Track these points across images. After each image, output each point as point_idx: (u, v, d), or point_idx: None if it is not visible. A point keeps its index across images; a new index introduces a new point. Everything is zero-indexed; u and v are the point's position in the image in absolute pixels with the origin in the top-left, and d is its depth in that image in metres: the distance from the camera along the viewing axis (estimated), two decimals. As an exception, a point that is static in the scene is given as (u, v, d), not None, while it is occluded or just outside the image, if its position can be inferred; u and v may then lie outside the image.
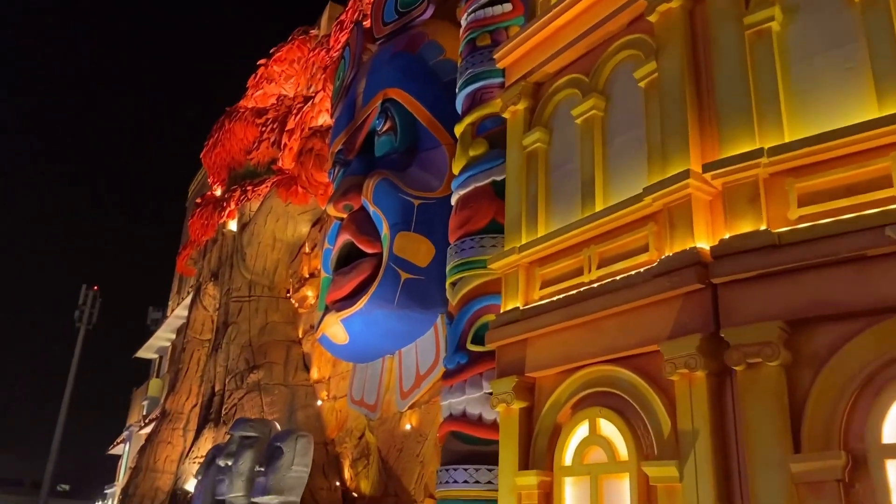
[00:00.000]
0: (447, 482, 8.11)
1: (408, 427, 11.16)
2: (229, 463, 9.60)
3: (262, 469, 8.85)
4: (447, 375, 8.74)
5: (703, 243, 6.21)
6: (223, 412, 15.98)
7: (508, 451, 7.49)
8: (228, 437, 10.04)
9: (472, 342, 8.59)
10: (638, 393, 6.38)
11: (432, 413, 10.67)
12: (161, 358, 39.39)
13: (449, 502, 8.04)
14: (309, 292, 17.51)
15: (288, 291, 19.27)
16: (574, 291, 7.25)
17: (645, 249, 6.73)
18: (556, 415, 7.24)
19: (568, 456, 6.97)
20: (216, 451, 10.61)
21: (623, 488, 6.32)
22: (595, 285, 7.02)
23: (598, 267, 7.11)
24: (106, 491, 41.69)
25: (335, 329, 11.85)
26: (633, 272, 6.69)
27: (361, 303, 11.19)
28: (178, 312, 33.43)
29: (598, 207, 7.32)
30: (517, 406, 7.52)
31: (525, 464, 7.32)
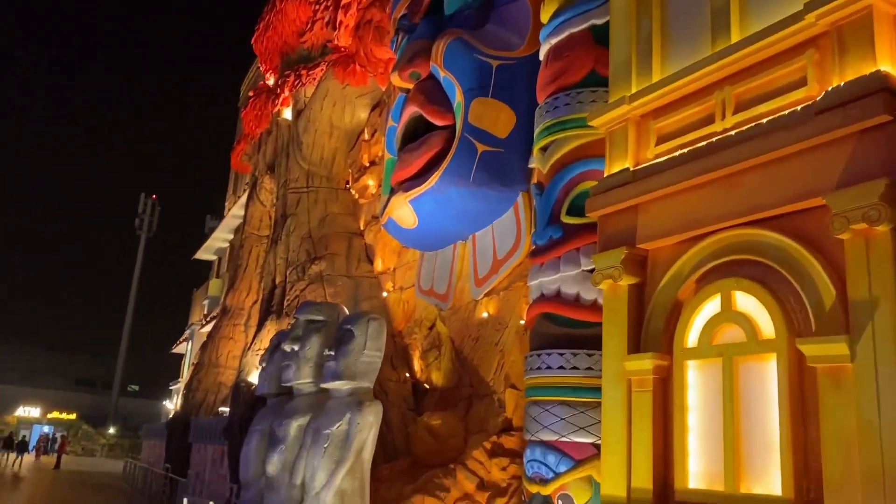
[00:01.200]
0: (538, 368, 7.26)
1: (484, 315, 10.34)
2: (295, 348, 8.98)
3: (332, 353, 8.17)
4: (537, 253, 7.76)
5: (889, 67, 4.91)
6: (285, 304, 15.52)
7: (615, 334, 6.55)
8: (293, 321, 9.40)
9: (568, 214, 7.54)
10: (788, 259, 5.27)
11: (513, 300, 9.79)
12: (220, 259, 39.75)
13: (541, 390, 7.22)
14: (370, 181, 16.62)
15: (347, 183, 18.44)
16: (702, 144, 6.06)
17: (802, 83, 5.46)
18: (676, 290, 6.22)
19: (692, 336, 5.98)
20: (280, 337, 10.05)
21: (766, 372, 5.32)
22: (731, 133, 5.82)
23: (735, 112, 5.88)
24: (171, 387, 43.32)
25: (403, 211, 10.94)
26: (784, 113, 5.45)
27: (433, 180, 10.19)
28: (234, 212, 33.26)
29: (735, 38, 6.00)
30: (626, 282, 6.51)
31: (635, 347, 6.38)
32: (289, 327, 10.13)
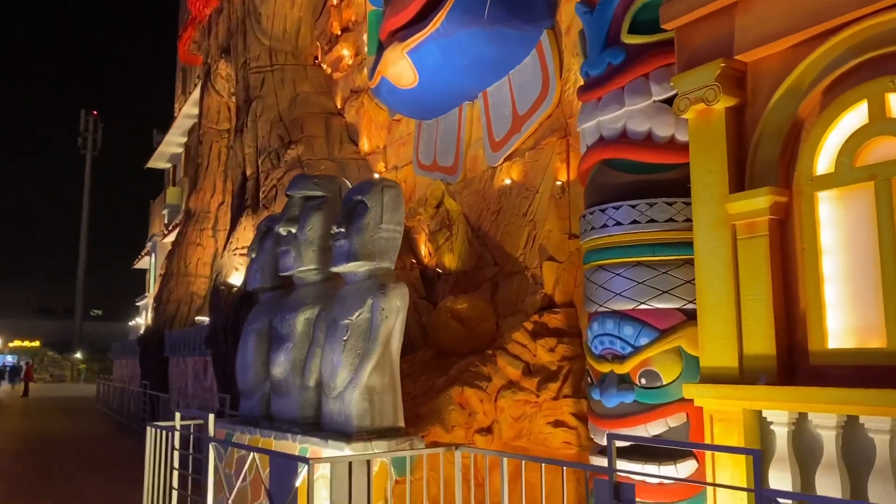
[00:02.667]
0: (603, 226, 6.05)
1: (507, 182, 9.03)
2: (293, 230, 7.62)
3: (342, 230, 6.83)
4: (590, 86, 6.39)
5: None
6: (261, 196, 14.01)
7: (709, 171, 5.32)
8: (288, 200, 7.98)
9: (630, 32, 6.13)
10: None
11: (544, 159, 8.47)
12: (174, 166, 37.50)
13: (608, 252, 6.04)
14: (344, 51, 14.82)
15: (316, 58, 16.57)
16: None
17: None
18: (795, 107, 4.96)
19: (823, 161, 4.77)
20: (271, 222, 8.67)
21: (943, 192, 4.14)
22: None
23: None
24: (137, 304, 41.85)
25: (399, 67, 9.38)
26: None
27: (436, 22, 8.61)
28: (186, 111, 30.96)
29: None
30: (723, 104, 5.22)
31: (738, 184, 5.17)
32: (279, 212, 8.70)
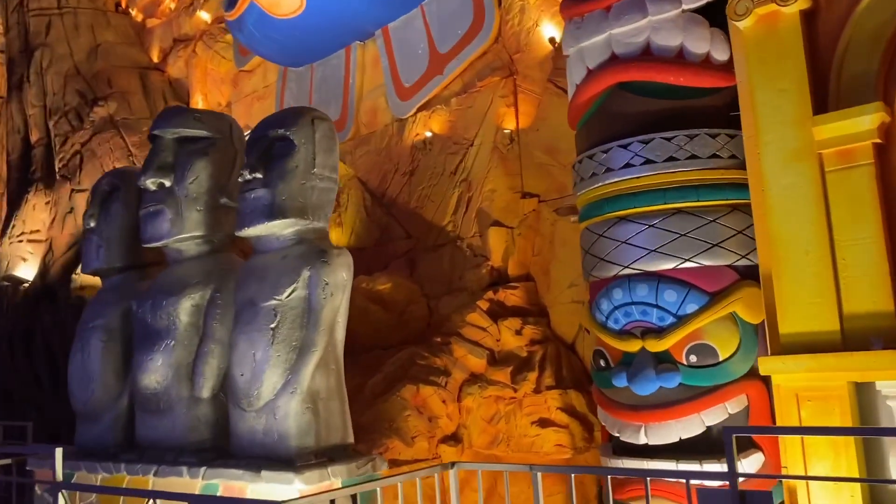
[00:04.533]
0: (627, 166, 4.87)
1: (427, 135, 7.55)
2: (167, 183, 5.52)
3: (258, 176, 4.95)
4: (585, -5, 5.17)
5: None
6: (58, 166, 11.08)
7: (779, 89, 4.37)
8: (154, 143, 5.81)
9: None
10: None
11: (480, 105, 7.16)
12: None
13: (631, 199, 4.88)
14: (165, -8, 12.35)
15: (118, 4, 13.76)
16: None
17: None
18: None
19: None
20: (116, 178, 6.37)
21: None
22: None
23: None
24: None
25: (279, -10, 7.55)
26: None
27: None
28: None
29: None
30: (797, 6, 4.28)
31: (822, 104, 4.24)
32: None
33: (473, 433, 5.64)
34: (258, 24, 8.13)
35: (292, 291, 4.90)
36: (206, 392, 5.31)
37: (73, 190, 10.45)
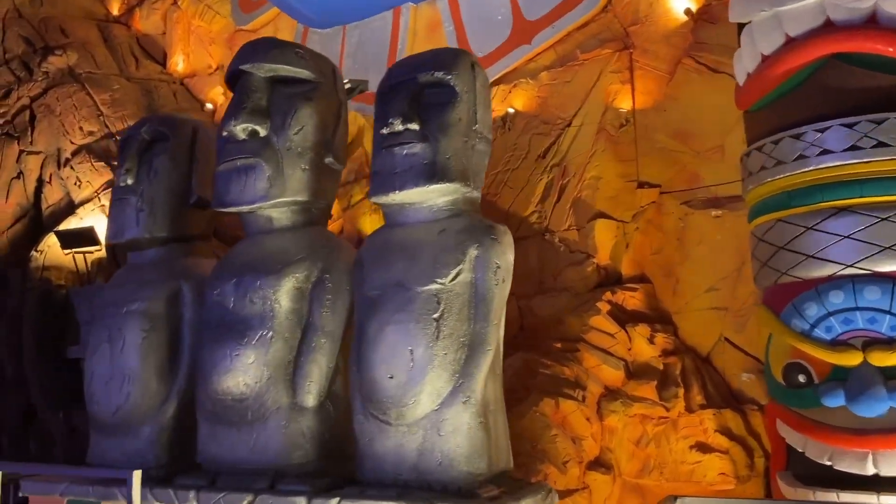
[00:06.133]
0: (853, 148, 4.22)
1: (509, 111, 6.70)
2: (261, 131, 4.34)
3: (415, 126, 3.94)
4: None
5: None
6: (12, 122, 9.21)
7: None
8: (243, 80, 4.58)
9: None
10: None
11: (583, 80, 6.38)
12: None
13: (856, 186, 4.22)
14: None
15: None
16: None
17: None
18: None
19: None
20: (167, 125, 5.05)
21: None
22: None
23: None
24: None
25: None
26: None
27: None
28: None
29: None
30: None
31: None
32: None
33: (621, 458, 4.80)
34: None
35: (457, 274, 3.93)
36: (312, 399, 4.23)
37: (21, 151, 8.75)
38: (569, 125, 6.35)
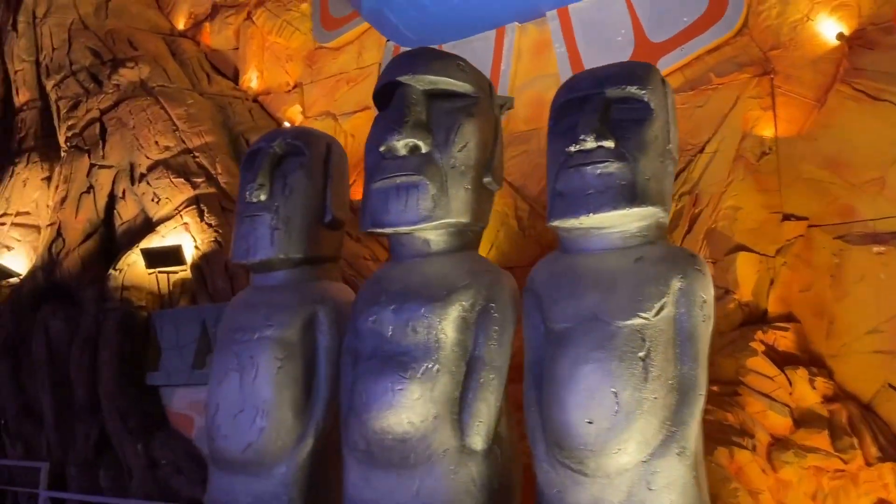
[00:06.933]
0: None
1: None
2: (423, 147, 4.01)
3: (608, 145, 3.61)
4: None
5: None
6: (66, 134, 8.95)
7: None
8: (399, 93, 4.23)
9: None
10: None
11: (717, 106, 6.07)
12: None
13: None
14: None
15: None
16: None
17: None
18: None
19: None
20: (303, 139, 4.70)
21: None
22: None
23: None
24: None
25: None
26: None
27: None
28: None
29: None
30: None
31: None
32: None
33: (798, 514, 4.39)
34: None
35: (661, 308, 3.58)
36: (481, 442, 3.85)
37: (93, 165, 8.43)
38: (701, 151, 6.03)
